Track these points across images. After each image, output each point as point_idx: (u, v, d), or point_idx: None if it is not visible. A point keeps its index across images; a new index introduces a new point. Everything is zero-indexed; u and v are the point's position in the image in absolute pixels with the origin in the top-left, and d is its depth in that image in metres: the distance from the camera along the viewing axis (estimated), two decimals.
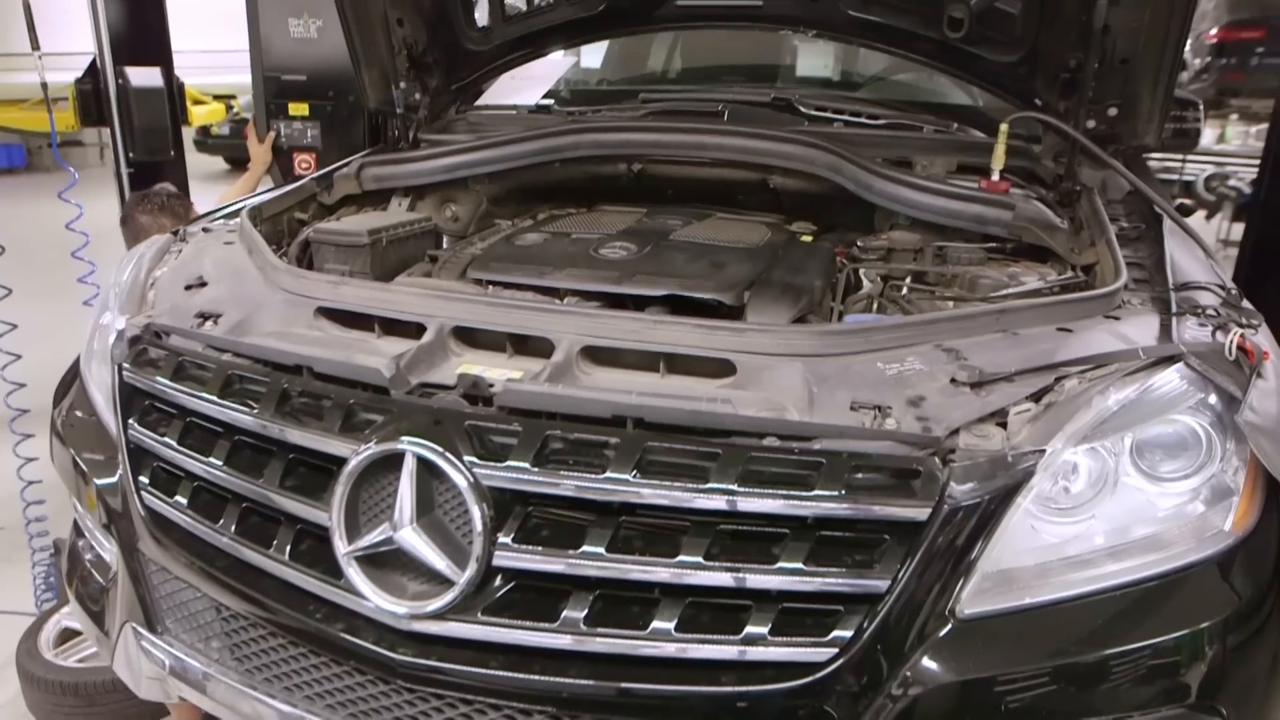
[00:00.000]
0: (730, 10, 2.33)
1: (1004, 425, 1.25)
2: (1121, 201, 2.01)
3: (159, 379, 1.54)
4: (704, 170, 2.18)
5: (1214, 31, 9.52)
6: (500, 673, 1.24)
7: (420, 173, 2.22)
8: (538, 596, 1.26)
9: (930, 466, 1.18)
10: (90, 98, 3.71)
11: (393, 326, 1.54)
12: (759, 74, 2.70)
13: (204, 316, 1.62)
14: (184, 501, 1.51)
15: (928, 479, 1.17)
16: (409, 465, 1.25)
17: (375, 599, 1.27)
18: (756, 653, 1.18)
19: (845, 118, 2.28)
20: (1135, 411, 1.25)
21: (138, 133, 3.64)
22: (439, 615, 1.25)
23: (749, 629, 1.19)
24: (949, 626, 1.19)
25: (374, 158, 2.30)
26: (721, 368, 1.36)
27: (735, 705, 1.19)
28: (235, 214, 2.09)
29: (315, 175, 2.32)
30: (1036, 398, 1.27)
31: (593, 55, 3.21)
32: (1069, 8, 1.95)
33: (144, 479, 1.57)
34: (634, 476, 1.20)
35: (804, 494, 1.17)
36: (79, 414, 1.79)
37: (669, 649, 1.20)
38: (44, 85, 3.82)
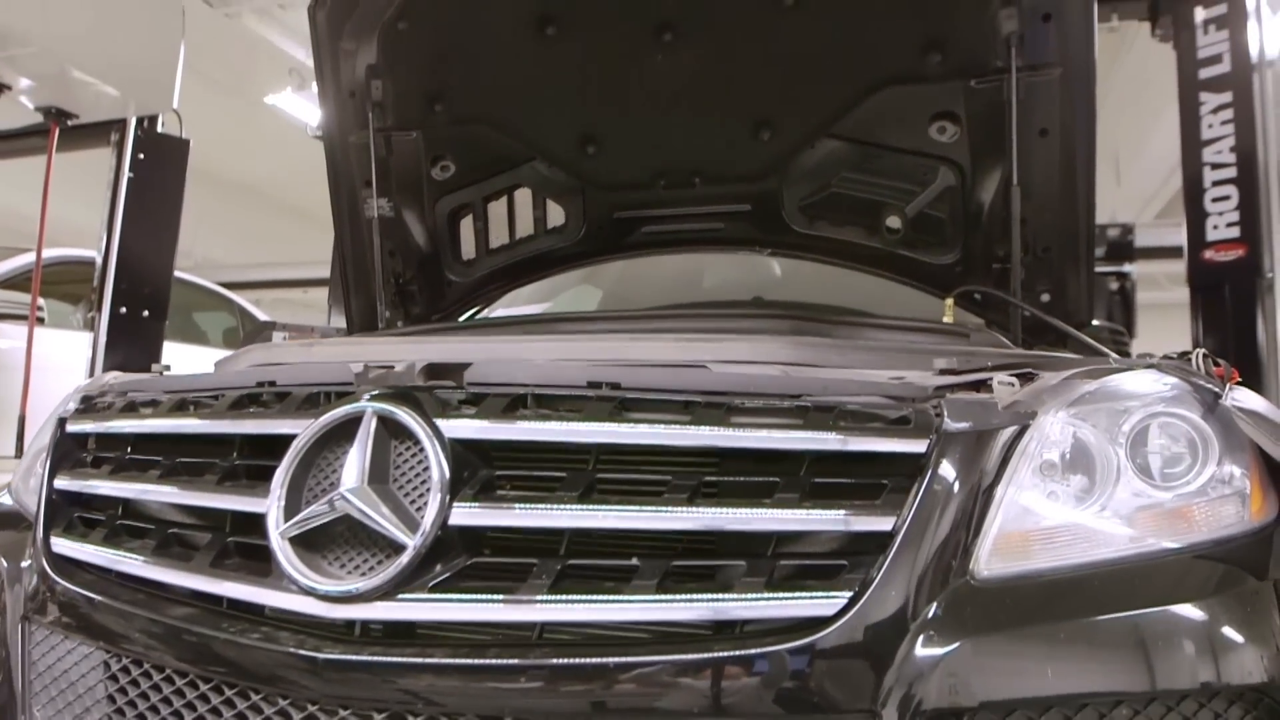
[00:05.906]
0: (694, 235, 2.60)
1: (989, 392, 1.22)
2: None
3: (104, 417, 1.46)
4: None
5: None
6: (450, 660, 1.04)
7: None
8: (500, 572, 1.10)
9: (922, 409, 1.13)
10: None
11: None
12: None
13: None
14: (98, 541, 1.33)
15: (920, 419, 1.11)
16: (368, 425, 1.16)
17: (308, 581, 1.10)
18: (754, 609, 1.02)
19: None
20: (1115, 394, 1.23)
21: None
22: (384, 593, 1.07)
23: (740, 588, 1.03)
24: (965, 586, 1.05)
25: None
26: None
27: (732, 673, 0.99)
28: None
29: None
30: (1018, 379, 1.26)
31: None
32: (990, 205, 2.22)
33: (57, 531, 1.40)
34: (610, 424, 1.13)
35: (794, 428, 1.10)
36: None
37: (652, 612, 1.03)
38: None
